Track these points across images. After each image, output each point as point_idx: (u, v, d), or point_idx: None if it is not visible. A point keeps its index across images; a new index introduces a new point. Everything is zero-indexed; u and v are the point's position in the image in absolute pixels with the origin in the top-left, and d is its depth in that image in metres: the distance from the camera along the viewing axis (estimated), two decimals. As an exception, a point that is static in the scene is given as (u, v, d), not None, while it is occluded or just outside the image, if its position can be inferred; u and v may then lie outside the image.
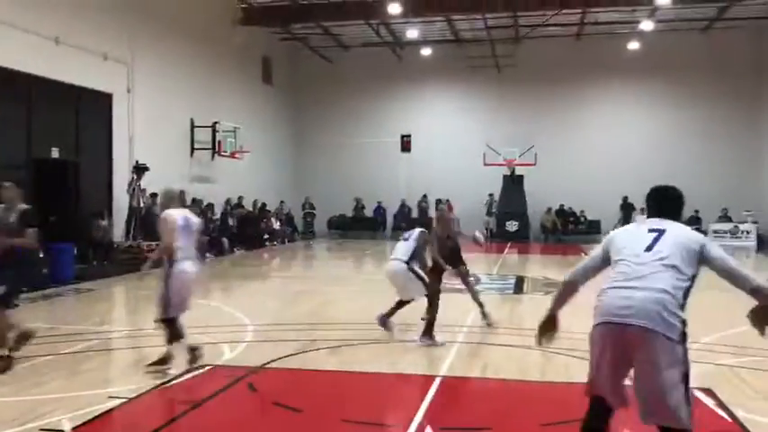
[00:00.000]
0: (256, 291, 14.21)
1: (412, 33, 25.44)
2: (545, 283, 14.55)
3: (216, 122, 21.59)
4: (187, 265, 7.06)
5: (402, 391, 6.55)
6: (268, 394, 6.19)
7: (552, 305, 3.97)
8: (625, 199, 26.24)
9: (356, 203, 28.64)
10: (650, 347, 3.34)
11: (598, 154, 27.50)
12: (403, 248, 8.44)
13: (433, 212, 28.51)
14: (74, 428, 5.18)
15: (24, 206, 7.61)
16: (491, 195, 27.42)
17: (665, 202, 3.87)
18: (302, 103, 29.73)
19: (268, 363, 7.11)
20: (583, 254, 21.28)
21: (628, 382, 3.56)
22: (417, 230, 8.63)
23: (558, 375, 6.80)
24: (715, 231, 25.65)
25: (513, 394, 6.45)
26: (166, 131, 19.69)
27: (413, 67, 28.39)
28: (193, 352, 6.95)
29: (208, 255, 18.96)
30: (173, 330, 6.98)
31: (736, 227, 25.44)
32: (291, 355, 7.50)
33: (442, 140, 28.70)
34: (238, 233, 21.58)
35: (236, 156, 22.63)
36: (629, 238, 3.71)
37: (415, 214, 28.38)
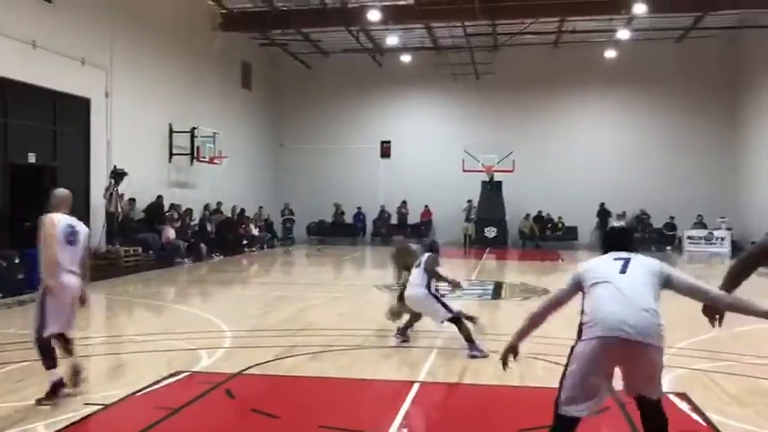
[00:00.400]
0: (235, 297, 14.15)
1: (392, 40, 25.54)
2: (523, 288, 14.66)
3: (195, 128, 21.52)
4: (66, 280, 6.16)
5: (380, 397, 6.56)
6: (246, 401, 6.17)
7: (516, 336, 4.31)
8: (602, 205, 26.50)
9: (336, 209, 28.63)
10: (648, 359, 3.82)
11: (575, 161, 27.75)
12: (417, 275, 8.41)
13: (416, 216, 28.65)
14: (49, 436, 5.14)
15: None
16: (470, 201, 27.55)
17: (623, 238, 4.39)
18: (282, 108, 29.70)
19: (246, 369, 7.09)
20: (560, 259, 21.49)
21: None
22: (426, 255, 8.60)
23: (536, 380, 6.85)
24: (690, 238, 25.96)
25: (492, 399, 6.48)
26: (145, 136, 19.59)
27: (392, 73, 28.49)
28: (76, 375, 6.17)
29: (187, 259, 18.90)
30: (48, 354, 6.08)
31: (710, 233, 25.74)
32: (270, 361, 7.49)
33: (422, 147, 28.81)
34: (217, 239, 21.49)
35: (215, 161, 22.56)
36: (603, 266, 4.11)
37: (394, 220, 28.46)
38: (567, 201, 26.98)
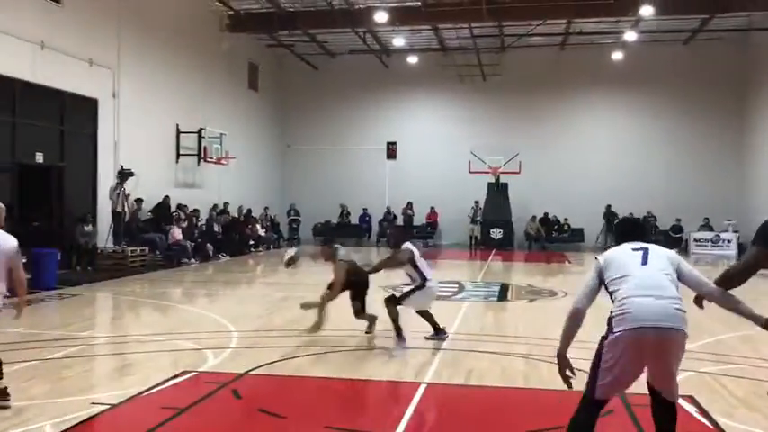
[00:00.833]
0: (241, 297, 14.17)
1: (398, 41, 25.54)
2: (529, 290, 14.64)
3: (202, 128, 21.57)
4: None
5: (387, 398, 6.56)
6: (252, 401, 6.18)
7: (562, 345, 4.24)
8: (608, 207, 26.46)
9: (342, 210, 28.64)
10: (677, 345, 3.97)
11: (582, 162, 27.71)
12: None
13: (422, 218, 28.63)
14: (56, 435, 5.16)
15: None
16: (476, 203, 27.54)
17: (637, 228, 4.56)
18: (288, 109, 29.75)
19: (252, 369, 7.10)
20: (567, 261, 21.45)
21: None
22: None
23: (542, 382, 6.84)
24: (696, 240, 25.91)
25: (498, 401, 6.47)
26: (152, 137, 19.64)
27: (399, 74, 28.50)
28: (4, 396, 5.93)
29: (194, 260, 18.93)
30: None
31: (717, 236, 25.68)
32: (276, 361, 7.50)
33: (428, 148, 28.81)
34: (223, 239, 21.52)
35: (222, 162, 22.60)
36: (624, 257, 4.20)
37: (400, 221, 28.43)
38: (573, 202, 26.94)
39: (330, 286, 8.75)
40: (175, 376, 6.84)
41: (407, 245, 8.73)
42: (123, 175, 17.14)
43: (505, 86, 27.86)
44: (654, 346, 3.92)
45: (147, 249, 17.61)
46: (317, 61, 29.23)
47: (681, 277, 4.13)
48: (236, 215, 23.86)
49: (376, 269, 8.98)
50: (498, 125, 27.96)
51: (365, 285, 8.82)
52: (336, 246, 8.93)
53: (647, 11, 20.89)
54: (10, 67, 14.16)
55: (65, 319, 10.77)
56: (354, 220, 28.86)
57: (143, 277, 15.92)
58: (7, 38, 13.96)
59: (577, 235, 26.96)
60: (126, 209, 17.41)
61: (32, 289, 12.37)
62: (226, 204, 23.39)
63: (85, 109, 17.02)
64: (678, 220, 26.50)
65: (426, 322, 8.74)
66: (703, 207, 26.12)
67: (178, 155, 21.17)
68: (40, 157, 15.64)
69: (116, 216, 17.16)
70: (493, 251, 24.96)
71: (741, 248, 24.46)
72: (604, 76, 27.14)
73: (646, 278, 4.04)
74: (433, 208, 28.36)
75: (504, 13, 22.57)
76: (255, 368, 7.13)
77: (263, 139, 28.03)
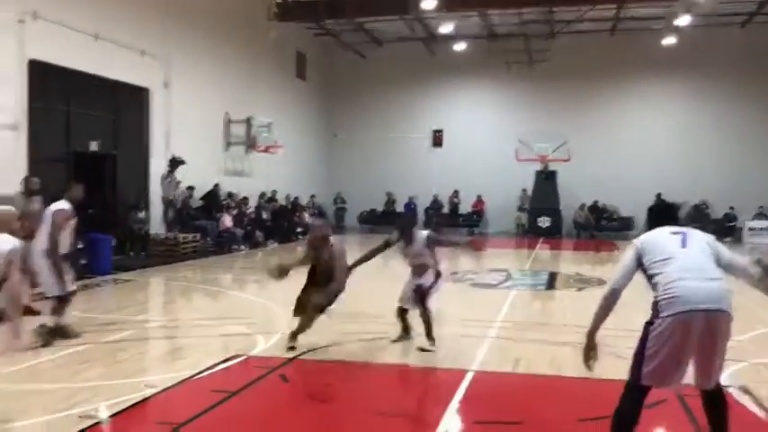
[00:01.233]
0: (290, 283, 14.32)
1: (446, 29, 25.37)
2: (578, 279, 14.48)
3: (250, 117, 21.79)
4: None
5: (434, 385, 6.59)
6: (300, 386, 6.27)
7: (595, 323, 4.28)
8: (658, 195, 25.87)
9: (387, 198, 28.68)
10: (726, 327, 3.97)
11: (632, 150, 27.20)
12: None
13: (468, 206, 28.53)
14: (110, 416, 5.31)
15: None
16: (524, 191, 27.31)
17: (672, 211, 4.59)
18: (335, 98, 29.85)
19: (301, 354, 7.20)
20: (616, 250, 21.13)
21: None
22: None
23: (591, 372, 6.79)
24: (751, 229, 25.29)
25: (547, 389, 6.43)
26: (202, 126, 19.93)
27: (446, 61, 28.32)
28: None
29: (243, 246, 19.18)
30: None
31: (772, 224, 25.07)
32: (324, 347, 7.58)
33: (475, 135, 28.61)
34: (272, 226, 21.79)
35: (270, 150, 22.81)
36: (662, 241, 4.18)
37: (446, 210, 28.39)
38: (623, 190, 26.49)
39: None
40: (226, 360, 6.98)
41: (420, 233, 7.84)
42: (174, 163, 17.44)
43: (554, 73, 27.47)
44: (703, 328, 3.89)
45: (198, 236, 17.91)
46: (363, 49, 29.25)
47: (721, 261, 4.12)
48: (284, 203, 24.12)
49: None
50: (546, 112, 27.62)
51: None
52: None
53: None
54: (65, 59, 14.48)
55: (119, 303, 11.05)
56: (400, 208, 28.87)
57: (194, 263, 16.22)
58: (63, 30, 14.29)
59: (627, 223, 26.52)
60: (177, 196, 17.72)
61: (88, 274, 12.74)
62: (274, 192, 23.64)
63: (138, 98, 17.35)
64: (731, 208, 25.87)
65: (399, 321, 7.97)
66: (758, 195, 25.45)
67: (227, 143, 21.46)
68: (94, 146, 16.01)
69: (168, 203, 17.50)
70: (540, 239, 24.75)
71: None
72: (655, 61, 26.53)
73: (689, 261, 4.02)
74: (479, 196, 28.20)
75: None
76: (304, 353, 7.23)
77: (310, 128, 28.19)
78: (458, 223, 27.90)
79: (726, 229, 25.30)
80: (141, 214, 16.76)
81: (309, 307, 7.37)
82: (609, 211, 27.25)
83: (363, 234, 27.68)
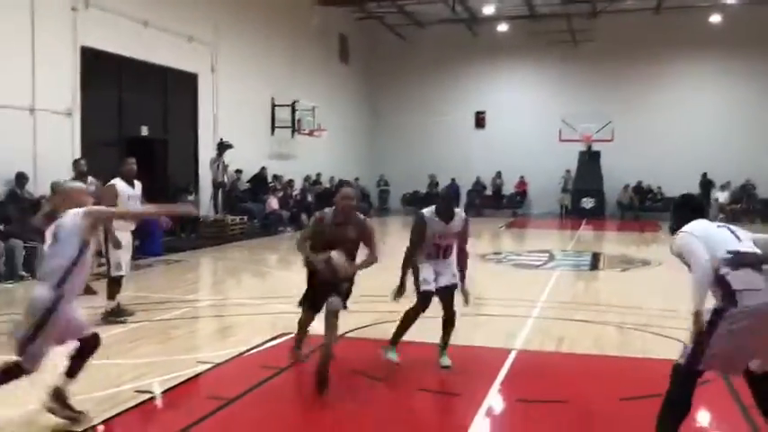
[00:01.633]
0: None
1: (488, 10, 25.20)
2: (622, 259, 14.43)
3: (295, 101, 22.02)
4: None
5: (477, 364, 6.68)
6: (347, 362, 6.42)
7: (698, 302, 4.09)
8: (704, 175, 25.48)
9: (430, 180, 28.72)
10: None
11: (677, 130, 26.75)
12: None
13: (511, 187, 28.41)
14: (163, 392, 5.53)
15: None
16: (567, 172, 27.10)
17: (702, 205, 4.58)
18: (378, 81, 29.91)
19: (346, 333, 7.35)
20: (660, 231, 20.87)
21: None
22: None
23: (634, 350, 6.85)
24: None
25: (590, 369, 6.51)
26: (248, 110, 20.23)
27: (488, 43, 28.15)
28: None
29: (289, 228, 19.48)
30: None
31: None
32: (369, 325, 7.74)
33: (517, 117, 28.44)
34: (317, 208, 21.98)
35: (315, 134, 23.04)
36: (718, 234, 4.15)
37: (489, 192, 28.33)
38: (667, 171, 26.08)
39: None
40: (274, 338, 7.19)
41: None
42: (222, 147, 17.77)
43: (597, 52, 27.12)
44: None
45: (245, 218, 18.26)
46: (406, 32, 29.21)
47: (759, 245, 4.12)
48: (329, 185, 24.35)
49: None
50: (590, 92, 27.32)
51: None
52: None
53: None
54: (116, 46, 14.86)
55: (171, 283, 11.39)
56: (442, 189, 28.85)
57: (242, 244, 16.56)
58: (113, 17, 14.65)
59: (671, 203, 26.15)
60: (225, 179, 18.08)
61: (140, 255, 13.12)
62: (318, 175, 23.89)
63: (186, 84, 17.70)
64: (780, 188, 25.34)
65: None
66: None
67: (273, 127, 21.73)
68: (144, 131, 16.40)
69: (216, 186, 17.86)
70: (584, 220, 24.59)
71: None
72: (701, 39, 25.98)
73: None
74: (522, 177, 28.08)
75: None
76: (349, 332, 7.38)
77: (353, 111, 28.34)
78: (501, 205, 27.85)
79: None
80: (191, 197, 17.13)
81: (327, 320, 5.80)
82: (653, 191, 26.90)
83: (407, 215, 27.83)
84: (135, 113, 15.96)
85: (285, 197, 20.42)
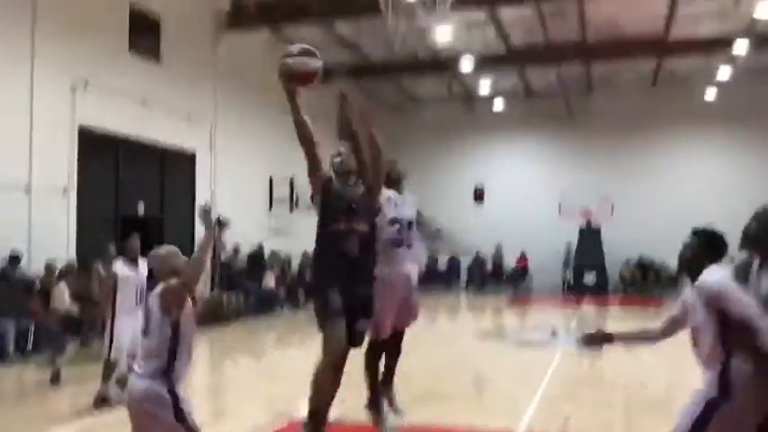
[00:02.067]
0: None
1: (484, 87, 25.62)
2: (626, 336, 14.13)
3: (293, 177, 22.08)
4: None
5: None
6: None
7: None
8: (707, 248, 25.36)
9: (429, 254, 28.56)
10: None
11: (677, 204, 26.76)
12: None
13: (512, 261, 28.22)
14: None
15: None
16: (568, 245, 26.99)
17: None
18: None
19: (346, 414, 7.09)
20: (664, 306, 20.61)
21: None
22: None
23: (642, 431, 6.59)
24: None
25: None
26: (246, 186, 20.25)
27: (485, 119, 28.49)
28: None
29: (286, 307, 19.23)
30: None
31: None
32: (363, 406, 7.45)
33: (516, 191, 28.53)
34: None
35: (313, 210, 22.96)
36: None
37: (489, 266, 28.16)
38: (670, 245, 25.42)
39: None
40: (271, 421, 6.91)
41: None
42: (220, 224, 17.64)
43: (594, 127, 27.44)
44: None
45: (242, 296, 18.03)
46: (403, 107, 29.61)
47: None
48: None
49: None
50: (588, 167, 27.49)
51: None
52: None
53: (741, 47, 20.24)
54: (114, 124, 14.95)
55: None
56: (443, 265, 28.71)
57: (238, 323, 16.29)
58: (112, 96, 14.79)
59: (675, 279, 25.96)
60: (222, 257, 17.92)
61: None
62: (316, 251, 23.76)
63: (184, 161, 17.75)
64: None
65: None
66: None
67: (271, 203, 21.73)
68: (141, 209, 16.35)
69: (213, 264, 17.68)
70: (586, 296, 24.33)
71: None
72: (697, 114, 26.31)
73: None
74: (523, 252, 27.95)
75: (591, 54, 22.36)
76: (348, 414, 7.10)
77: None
78: (501, 280, 27.65)
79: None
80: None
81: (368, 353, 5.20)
82: (656, 266, 26.72)
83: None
84: (132, 191, 15.93)
85: (282, 274, 20.23)
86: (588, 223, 26.69)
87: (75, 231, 13.55)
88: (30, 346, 11.19)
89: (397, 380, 5.96)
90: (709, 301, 3.51)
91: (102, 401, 7.67)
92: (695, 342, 3.69)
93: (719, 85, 24.86)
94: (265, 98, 21.23)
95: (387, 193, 5.68)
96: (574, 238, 26.86)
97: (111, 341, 7.79)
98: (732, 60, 22.43)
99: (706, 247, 3.86)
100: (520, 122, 28.24)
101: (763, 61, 23.44)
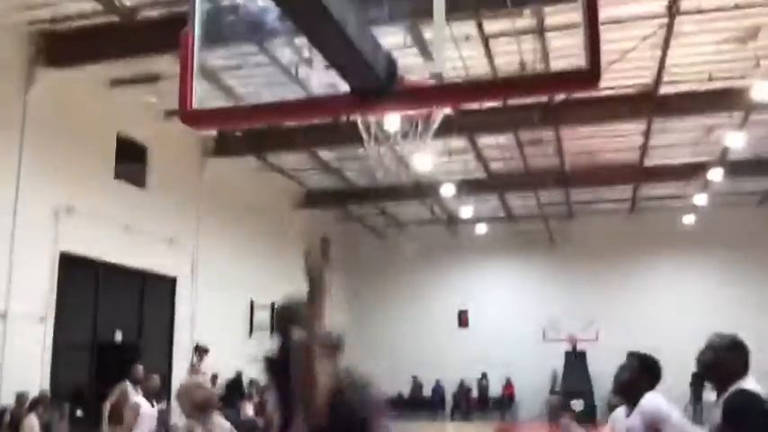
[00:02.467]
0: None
1: (466, 212, 25.95)
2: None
3: (274, 302, 21.83)
4: None
5: None
6: None
7: None
8: (694, 375, 25.00)
9: (413, 382, 27.94)
10: None
11: (660, 328, 26.52)
12: None
13: (497, 388, 27.60)
14: None
15: None
16: (554, 372, 26.55)
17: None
18: (358, 280, 29.93)
19: None
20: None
21: None
22: None
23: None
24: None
25: None
26: (227, 312, 19.98)
27: (468, 242, 28.67)
28: None
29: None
30: None
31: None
32: None
33: (500, 315, 28.32)
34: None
35: (294, 335, 22.59)
36: None
37: (474, 394, 27.56)
38: (656, 370, 25.58)
39: None
40: None
41: None
42: (200, 351, 17.26)
43: (576, 252, 27.66)
44: None
45: (218, 426, 17.34)
46: (386, 232, 29.81)
47: None
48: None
49: None
50: (571, 291, 27.48)
51: None
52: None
53: (716, 175, 20.77)
54: (95, 250, 14.87)
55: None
56: (427, 392, 28.06)
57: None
58: (95, 223, 14.77)
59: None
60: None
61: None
62: (297, 378, 23.16)
63: (164, 287, 17.57)
64: (771, 389, 24.86)
65: None
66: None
67: (251, 329, 21.36)
68: (118, 336, 15.99)
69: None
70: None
71: None
72: (676, 239, 26.63)
73: None
74: (508, 379, 27.41)
75: (570, 181, 22.87)
76: None
77: (333, 311, 28.06)
78: (487, 408, 26.97)
79: None
80: (162, 405, 16.34)
81: None
82: (644, 392, 26.22)
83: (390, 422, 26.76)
84: (110, 318, 15.65)
85: (261, 403, 19.61)
86: (573, 348, 26.41)
87: (49, 359, 13.16)
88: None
89: None
90: (651, 424, 3.36)
91: None
92: None
93: (697, 210, 25.35)
94: (249, 224, 21.39)
95: None
96: (560, 363, 26.49)
97: None
98: (708, 186, 22.99)
99: (644, 370, 4.11)
100: (503, 246, 28.44)
101: (738, 187, 24.04)
